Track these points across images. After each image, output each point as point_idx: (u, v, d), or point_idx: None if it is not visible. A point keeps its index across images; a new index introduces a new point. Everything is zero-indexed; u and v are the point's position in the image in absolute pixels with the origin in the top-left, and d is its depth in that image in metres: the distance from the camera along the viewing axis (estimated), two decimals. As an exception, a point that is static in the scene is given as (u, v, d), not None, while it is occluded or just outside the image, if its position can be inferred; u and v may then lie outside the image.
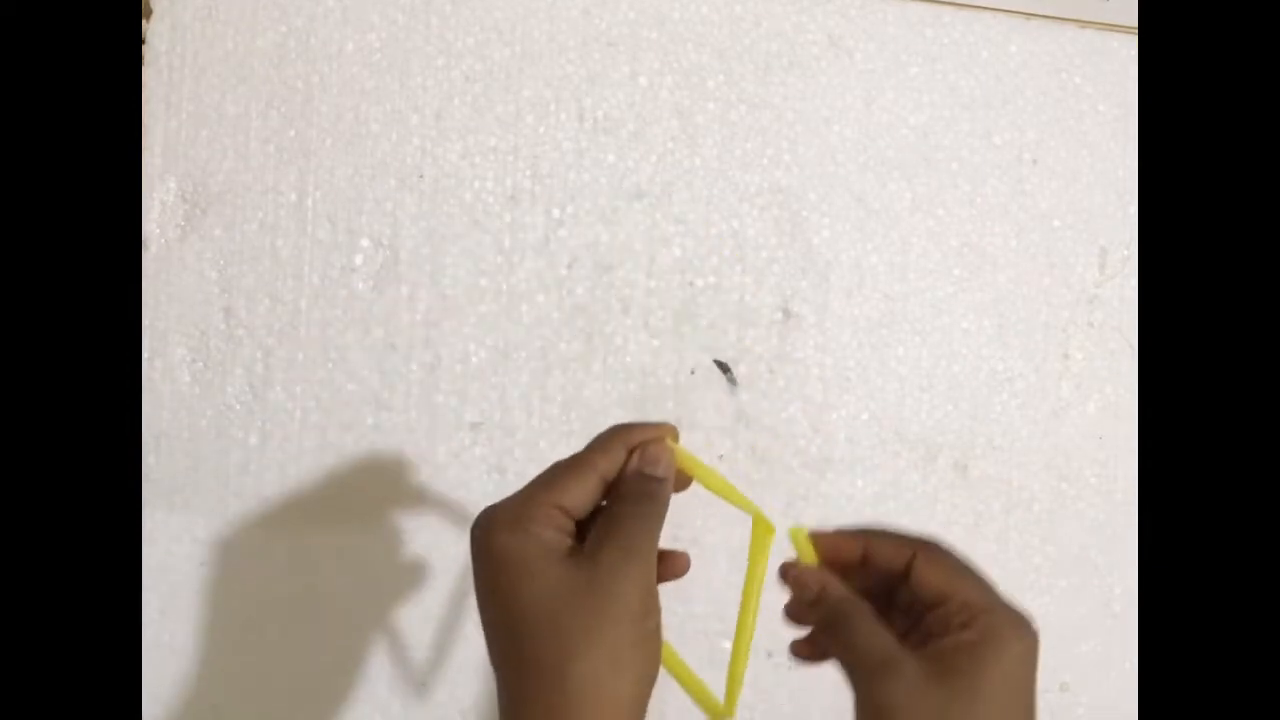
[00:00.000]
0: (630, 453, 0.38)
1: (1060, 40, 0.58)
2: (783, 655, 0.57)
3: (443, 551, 0.54)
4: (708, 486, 0.40)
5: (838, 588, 0.37)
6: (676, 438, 0.39)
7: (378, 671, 0.54)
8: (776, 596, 0.55)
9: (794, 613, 0.39)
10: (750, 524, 0.39)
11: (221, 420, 0.52)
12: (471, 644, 0.55)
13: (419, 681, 0.54)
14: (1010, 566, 0.59)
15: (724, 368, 0.55)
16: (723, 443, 0.56)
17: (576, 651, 0.33)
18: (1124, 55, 0.59)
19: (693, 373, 0.55)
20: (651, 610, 0.35)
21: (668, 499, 0.37)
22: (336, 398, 0.53)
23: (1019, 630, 0.34)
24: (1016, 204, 0.58)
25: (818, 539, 0.38)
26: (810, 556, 0.38)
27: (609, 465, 0.37)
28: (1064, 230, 0.59)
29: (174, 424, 0.52)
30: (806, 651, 0.40)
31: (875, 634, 0.35)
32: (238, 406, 0.53)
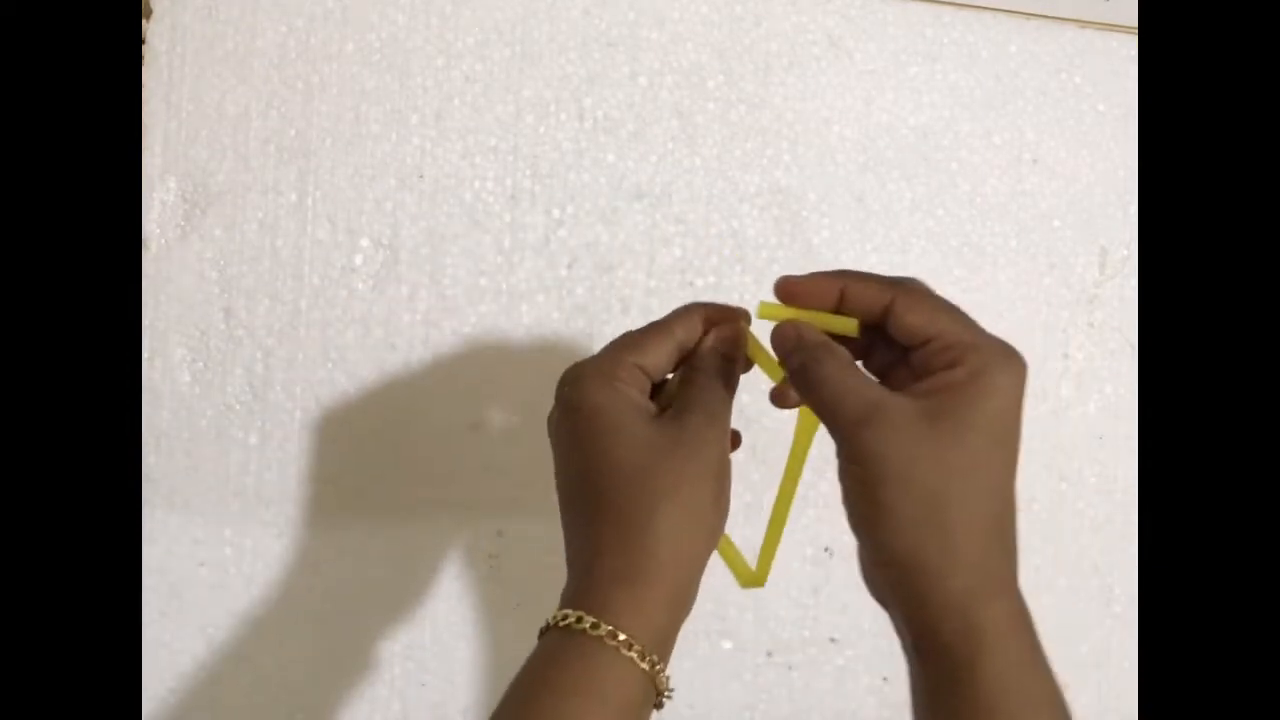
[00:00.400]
0: (707, 328, 0.39)
1: (1060, 40, 0.58)
2: (782, 655, 0.57)
3: (443, 551, 0.54)
4: (767, 374, 0.40)
5: (814, 333, 0.37)
6: (749, 320, 0.40)
7: (378, 671, 0.54)
8: (770, 606, 0.55)
9: (776, 393, 0.40)
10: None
11: (221, 420, 0.52)
12: (471, 644, 0.55)
13: (419, 681, 0.54)
14: (1010, 566, 0.59)
15: (724, 368, 0.55)
16: (723, 443, 0.56)
17: (663, 504, 0.35)
18: (1124, 55, 0.59)
19: (693, 373, 0.55)
20: (727, 471, 0.37)
21: (739, 377, 0.40)
22: (336, 398, 0.53)
23: (1008, 364, 0.34)
24: (1016, 204, 0.58)
25: (794, 285, 0.38)
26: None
27: (686, 335, 0.39)
28: (1064, 230, 0.59)
29: (174, 424, 0.52)
30: (781, 398, 0.40)
31: (854, 377, 0.35)
32: (238, 406, 0.53)
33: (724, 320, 0.40)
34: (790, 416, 0.56)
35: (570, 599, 0.35)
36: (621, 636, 0.33)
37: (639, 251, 0.55)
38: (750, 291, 0.55)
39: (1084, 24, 0.59)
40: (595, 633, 0.33)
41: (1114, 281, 0.59)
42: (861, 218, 0.57)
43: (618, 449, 0.36)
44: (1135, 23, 0.58)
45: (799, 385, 0.37)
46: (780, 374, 0.40)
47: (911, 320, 0.35)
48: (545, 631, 0.35)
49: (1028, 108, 0.58)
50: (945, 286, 0.57)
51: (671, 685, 0.35)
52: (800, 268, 0.56)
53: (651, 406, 0.38)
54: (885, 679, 0.58)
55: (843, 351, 0.36)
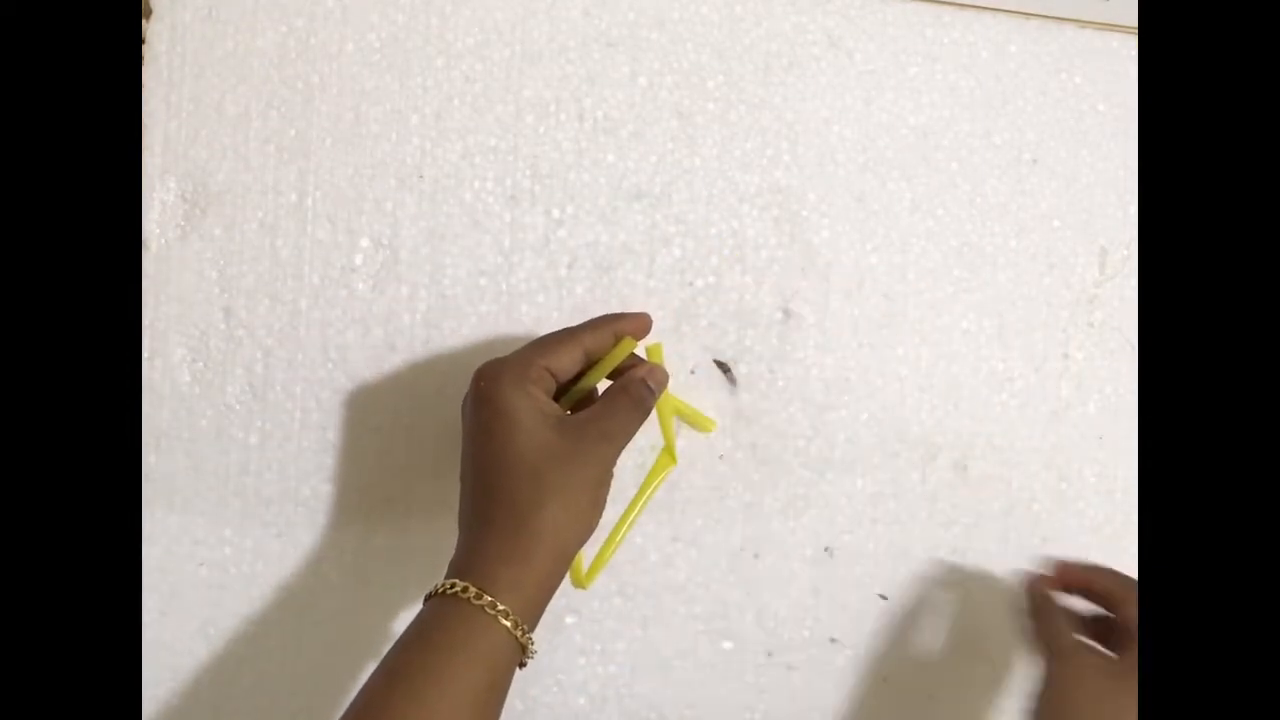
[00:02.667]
0: (617, 338, 0.46)
1: (1060, 40, 0.58)
2: (782, 655, 0.57)
3: (444, 551, 0.54)
4: (662, 427, 0.51)
5: (1045, 589, 0.51)
6: (651, 325, 0.48)
7: (378, 671, 0.54)
8: (770, 606, 0.55)
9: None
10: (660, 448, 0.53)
11: (221, 420, 0.52)
12: (471, 644, 0.55)
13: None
14: (1010, 566, 0.59)
15: (724, 368, 0.55)
16: (723, 443, 0.56)
17: (550, 502, 0.41)
18: (1124, 55, 0.59)
19: (693, 373, 0.55)
20: (607, 482, 0.44)
21: (651, 409, 0.46)
22: (336, 398, 0.53)
23: None
24: (1016, 204, 0.58)
25: (1063, 571, 0.52)
26: (660, 358, 0.49)
27: (594, 343, 0.46)
28: (1064, 230, 0.59)
29: (174, 424, 0.52)
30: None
31: (1067, 629, 0.49)
32: (238, 406, 0.53)
33: (635, 328, 0.47)
34: (792, 426, 0.56)
35: (459, 570, 0.41)
36: (501, 607, 0.39)
37: (639, 251, 0.55)
38: (750, 291, 0.55)
39: (1084, 24, 0.59)
40: (478, 602, 0.39)
41: (1114, 281, 0.59)
42: (861, 218, 0.57)
43: (519, 447, 0.42)
44: (1135, 23, 0.58)
45: (1035, 617, 0.51)
46: (667, 410, 0.51)
47: (1130, 613, 0.49)
48: (433, 596, 0.41)
49: (1028, 108, 0.58)
50: (945, 286, 0.57)
51: (535, 649, 0.41)
52: (800, 268, 0.56)
53: (553, 408, 0.44)
54: (885, 679, 0.58)
55: (1060, 608, 0.50)
